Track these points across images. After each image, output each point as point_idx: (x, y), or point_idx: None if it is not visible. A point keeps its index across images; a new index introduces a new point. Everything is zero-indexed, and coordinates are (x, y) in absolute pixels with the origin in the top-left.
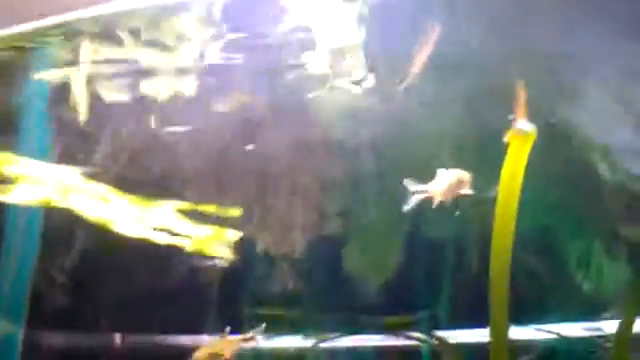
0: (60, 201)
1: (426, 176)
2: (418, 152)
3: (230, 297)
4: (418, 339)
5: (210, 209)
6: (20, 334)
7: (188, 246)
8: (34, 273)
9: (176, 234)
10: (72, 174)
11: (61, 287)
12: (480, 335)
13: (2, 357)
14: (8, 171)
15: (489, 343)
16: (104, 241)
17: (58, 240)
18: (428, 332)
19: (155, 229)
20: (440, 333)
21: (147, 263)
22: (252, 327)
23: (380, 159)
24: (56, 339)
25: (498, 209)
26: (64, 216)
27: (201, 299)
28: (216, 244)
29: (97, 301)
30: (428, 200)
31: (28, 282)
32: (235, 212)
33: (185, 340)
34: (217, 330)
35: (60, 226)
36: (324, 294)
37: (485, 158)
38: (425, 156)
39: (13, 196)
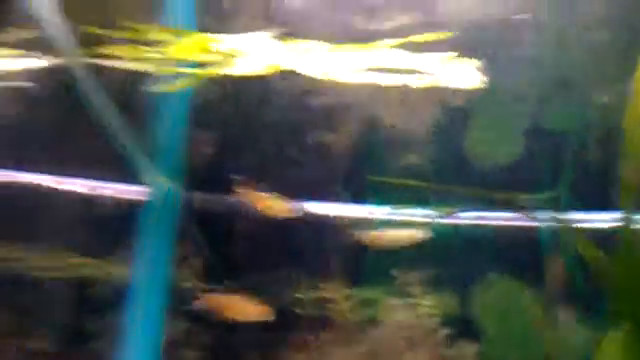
0: (281, 65)
1: None
2: None
3: (356, 169)
4: (541, 219)
5: None
6: (180, 194)
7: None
8: (187, 140)
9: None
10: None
11: (213, 153)
12: (601, 219)
13: (164, 214)
14: (217, 48)
15: (616, 227)
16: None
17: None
18: (551, 213)
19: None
20: (562, 216)
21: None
22: (377, 198)
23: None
24: (210, 200)
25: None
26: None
27: (331, 168)
28: None
29: (243, 164)
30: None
31: (183, 144)
32: None
33: (313, 207)
34: (344, 199)
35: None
36: (448, 170)
37: None
38: None
39: (237, 69)
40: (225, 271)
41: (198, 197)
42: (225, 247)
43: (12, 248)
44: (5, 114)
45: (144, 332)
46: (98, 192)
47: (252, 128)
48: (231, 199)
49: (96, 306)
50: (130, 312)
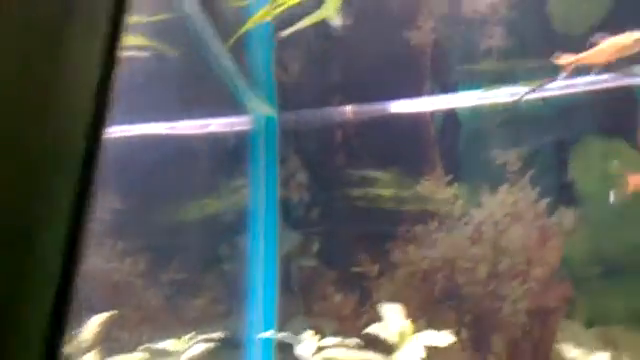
0: None
1: None
2: None
3: (442, 58)
4: (635, 73)
5: None
6: (275, 115)
7: None
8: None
9: None
10: None
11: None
12: None
13: (267, 136)
14: None
15: None
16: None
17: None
18: None
19: None
20: None
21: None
22: (468, 84)
23: None
24: (301, 118)
25: None
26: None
27: (416, 63)
28: None
29: (327, 79)
30: None
31: (272, 68)
32: None
33: (406, 105)
34: (434, 90)
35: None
36: (532, 45)
37: None
38: None
39: None
40: (326, 181)
41: (292, 116)
42: (325, 157)
43: None
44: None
45: (263, 248)
46: (210, 129)
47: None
48: (324, 111)
49: (225, 232)
50: (250, 232)
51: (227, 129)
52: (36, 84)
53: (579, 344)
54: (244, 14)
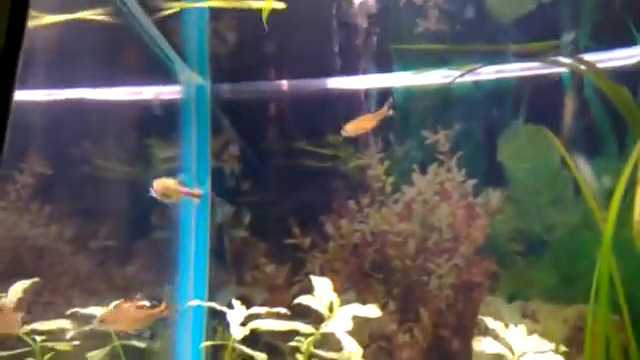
0: None
1: None
2: None
3: (379, 36)
4: (561, 63)
5: None
6: (207, 86)
7: None
8: (210, 34)
9: None
10: None
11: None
12: (624, 56)
13: (198, 106)
14: None
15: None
16: None
17: None
18: (571, 56)
19: None
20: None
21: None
22: (401, 64)
23: None
24: (234, 89)
25: None
26: None
27: (354, 43)
28: None
29: (263, 53)
30: None
31: (206, 39)
32: None
33: (341, 82)
34: (371, 69)
35: None
36: (466, 30)
37: None
38: None
39: None
40: (260, 154)
41: (226, 88)
42: (259, 130)
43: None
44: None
45: (194, 217)
46: (140, 97)
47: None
48: (259, 84)
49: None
50: (182, 202)
51: (158, 97)
52: None
53: (500, 317)
54: None
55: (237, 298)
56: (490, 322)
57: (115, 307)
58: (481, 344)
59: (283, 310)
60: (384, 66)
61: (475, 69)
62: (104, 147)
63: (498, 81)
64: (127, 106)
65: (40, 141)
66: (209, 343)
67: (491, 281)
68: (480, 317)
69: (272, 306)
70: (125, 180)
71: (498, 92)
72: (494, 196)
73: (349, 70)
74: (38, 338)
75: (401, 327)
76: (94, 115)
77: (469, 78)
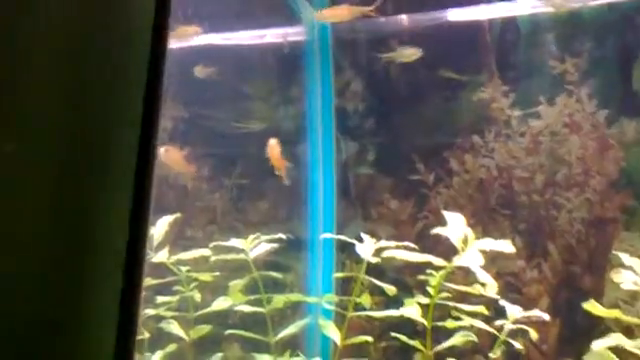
0: None
1: None
2: None
3: None
4: None
5: None
6: (329, 25)
7: None
8: None
9: None
10: None
11: None
12: None
13: (321, 46)
14: None
15: None
16: None
17: None
18: None
19: None
20: None
21: None
22: None
23: None
24: (356, 27)
25: None
26: None
27: None
28: None
29: None
30: None
31: None
32: None
33: (463, 13)
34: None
35: None
36: None
37: None
38: None
39: None
40: (382, 92)
41: (347, 26)
42: (379, 69)
43: None
44: None
45: (321, 155)
46: (264, 40)
47: None
48: (378, 21)
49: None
50: (308, 140)
51: (282, 39)
52: None
53: (637, 254)
54: None
55: (363, 232)
56: (626, 258)
57: None
58: (620, 276)
59: (411, 244)
60: None
61: None
62: (234, 91)
63: (633, 1)
64: (254, 49)
65: (176, 86)
66: (340, 275)
67: (627, 216)
68: (614, 253)
69: (398, 241)
70: (254, 121)
71: (634, 13)
72: (630, 127)
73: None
74: (183, 268)
75: (529, 263)
76: (224, 59)
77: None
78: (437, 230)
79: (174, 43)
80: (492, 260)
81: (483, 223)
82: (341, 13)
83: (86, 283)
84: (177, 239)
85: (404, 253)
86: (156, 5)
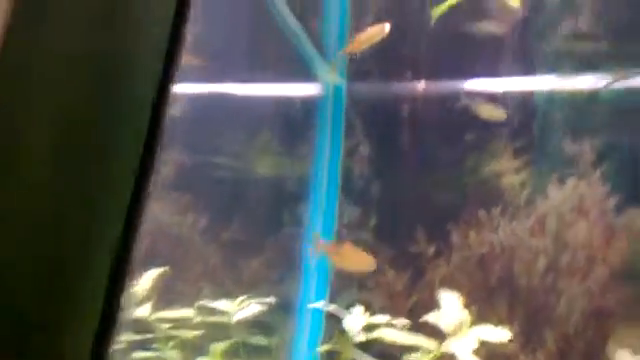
0: None
1: None
2: None
3: (524, 36)
4: None
5: None
6: (344, 85)
7: None
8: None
9: None
10: None
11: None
12: None
13: (334, 106)
14: None
15: None
16: None
17: None
18: None
19: None
20: None
21: None
22: (546, 65)
23: None
24: (370, 89)
25: None
26: None
27: (496, 44)
28: None
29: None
30: None
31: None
32: None
33: (480, 84)
34: (512, 72)
35: None
36: (621, 30)
37: None
38: None
39: None
40: (391, 157)
41: (362, 87)
42: (391, 132)
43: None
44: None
45: (321, 218)
46: (277, 93)
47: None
48: (393, 85)
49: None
50: (311, 201)
51: (295, 95)
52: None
53: (636, 351)
54: None
55: (357, 302)
56: (626, 356)
57: None
58: None
59: (404, 320)
60: (526, 69)
61: (630, 74)
62: (244, 141)
63: None
64: (266, 101)
65: (182, 133)
66: (324, 348)
67: (627, 310)
68: (611, 347)
69: (391, 313)
70: (260, 174)
71: None
72: (638, 217)
73: (490, 72)
74: (165, 326)
75: (523, 349)
76: (234, 109)
77: (621, 84)
78: (429, 316)
79: (184, 89)
80: (484, 342)
81: (479, 303)
82: (365, 39)
83: (72, 280)
84: (164, 293)
85: (394, 334)
86: (169, 43)
